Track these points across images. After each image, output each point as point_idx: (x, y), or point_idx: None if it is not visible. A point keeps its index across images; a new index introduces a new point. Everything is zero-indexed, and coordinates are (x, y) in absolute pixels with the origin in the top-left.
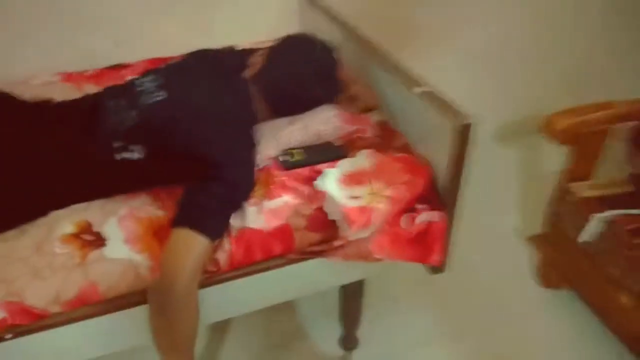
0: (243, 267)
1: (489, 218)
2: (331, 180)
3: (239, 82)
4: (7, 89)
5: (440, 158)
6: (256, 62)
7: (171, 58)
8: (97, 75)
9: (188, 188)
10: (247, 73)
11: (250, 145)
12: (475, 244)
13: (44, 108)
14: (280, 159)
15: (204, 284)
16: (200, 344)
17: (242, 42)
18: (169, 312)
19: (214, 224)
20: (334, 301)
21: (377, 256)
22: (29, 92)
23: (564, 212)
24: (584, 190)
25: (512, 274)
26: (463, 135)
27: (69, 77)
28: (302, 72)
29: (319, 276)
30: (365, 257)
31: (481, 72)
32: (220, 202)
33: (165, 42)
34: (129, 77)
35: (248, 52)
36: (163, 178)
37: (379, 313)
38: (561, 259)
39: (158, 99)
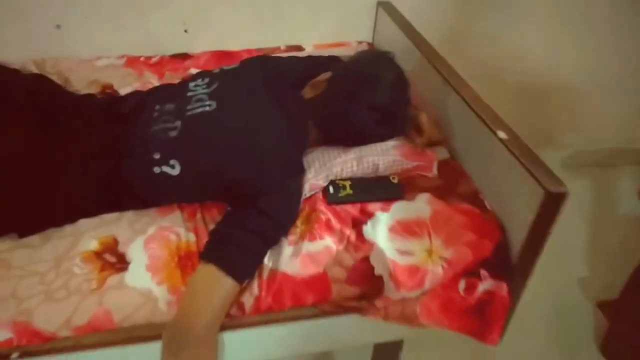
0: (270, 314)
1: (550, 263)
2: (382, 229)
3: (296, 100)
4: (72, 66)
5: (516, 220)
6: (318, 85)
7: (236, 53)
8: (160, 63)
9: (224, 216)
10: (306, 93)
11: (299, 172)
12: (532, 294)
13: (88, 103)
14: (329, 190)
15: (225, 327)
16: None
17: (310, 42)
18: (184, 355)
19: (245, 265)
20: None
21: (424, 322)
22: (91, 74)
23: None
24: None
25: (571, 336)
26: (554, 204)
27: (132, 62)
28: (363, 111)
29: (352, 333)
30: (410, 321)
31: (555, 96)
32: (257, 239)
33: (234, 34)
34: (192, 70)
35: (312, 63)
36: (199, 198)
37: None
38: (635, 335)
39: (206, 109)
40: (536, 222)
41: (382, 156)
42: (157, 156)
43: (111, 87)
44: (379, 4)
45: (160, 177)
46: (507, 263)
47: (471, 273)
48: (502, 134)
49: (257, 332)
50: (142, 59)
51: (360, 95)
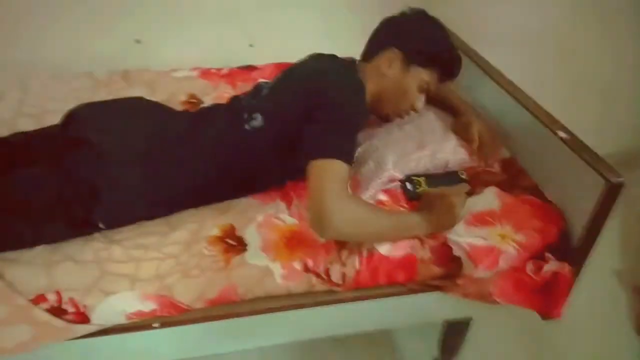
0: (366, 289)
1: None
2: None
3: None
4: (153, 78)
5: (576, 209)
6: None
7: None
8: (230, 74)
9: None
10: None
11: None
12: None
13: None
14: (407, 187)
15: (323, 302)
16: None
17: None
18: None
19: (340, 145)
20: None
21: (497, 299)
22: (171, 85)
23: None
24: None
25: (609, 320)
26: (611, 194)
27: (206, 73)
28: (438, 27)
29: (434, 309)
30: (485, 298)
31: (590, 93)
32: (337, 125)
33: (292, 49)
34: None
35: None
36: (285, 145)
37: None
38: None
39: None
40: (596, 210)
41: (453, 155)
42: (245, 115)
43: (195, 96)
44: None
45: (250, 133)
46: (569, 246)
47: (537, 256)
48: (562, 134)
49: (353, 306)
50: (213, 70)
51: (429, 18)
